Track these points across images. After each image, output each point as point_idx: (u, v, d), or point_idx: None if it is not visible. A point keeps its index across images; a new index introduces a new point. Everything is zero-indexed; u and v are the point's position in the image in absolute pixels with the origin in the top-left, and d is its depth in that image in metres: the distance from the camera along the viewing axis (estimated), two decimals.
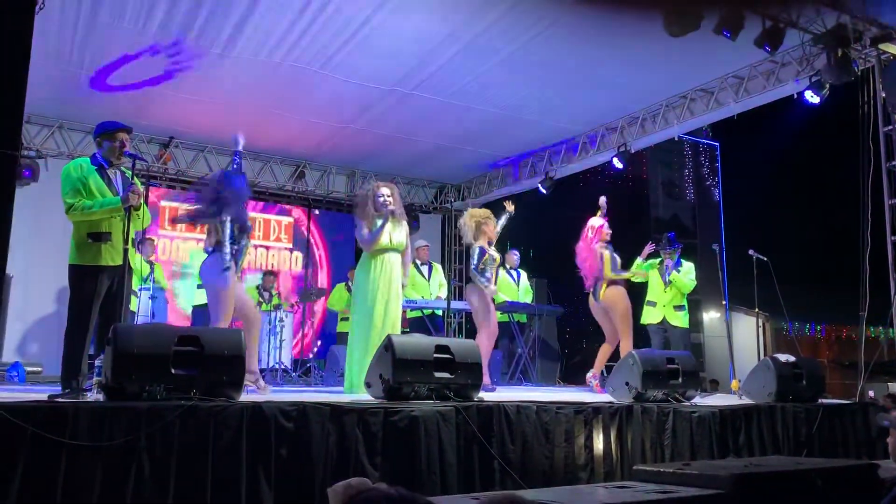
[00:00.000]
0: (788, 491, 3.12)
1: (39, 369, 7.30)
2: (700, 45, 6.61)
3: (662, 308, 7.50)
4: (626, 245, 7.32)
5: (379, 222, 5.52)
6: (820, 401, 5.80)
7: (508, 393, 5.98)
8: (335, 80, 7.65)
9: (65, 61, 7.20)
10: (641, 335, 7.69)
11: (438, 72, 7.50)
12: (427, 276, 8.44)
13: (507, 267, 9.09)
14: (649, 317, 7.59)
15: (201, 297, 7.82)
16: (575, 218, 7.49)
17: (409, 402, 3.95)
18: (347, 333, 9.06)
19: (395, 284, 5.54)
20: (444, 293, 8.36)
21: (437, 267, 8.85)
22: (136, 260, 4.68)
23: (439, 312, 8.49)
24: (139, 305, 7.77)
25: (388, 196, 5.59)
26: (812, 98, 6.92)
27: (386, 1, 6.21)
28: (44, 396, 3.49)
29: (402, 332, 5.97)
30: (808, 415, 5.44)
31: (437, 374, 4.14)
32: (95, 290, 4.20)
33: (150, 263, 8.16)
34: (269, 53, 7.09)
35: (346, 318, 9.40)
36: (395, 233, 5.60)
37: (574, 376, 9.28)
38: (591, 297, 6.98)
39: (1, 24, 2.88)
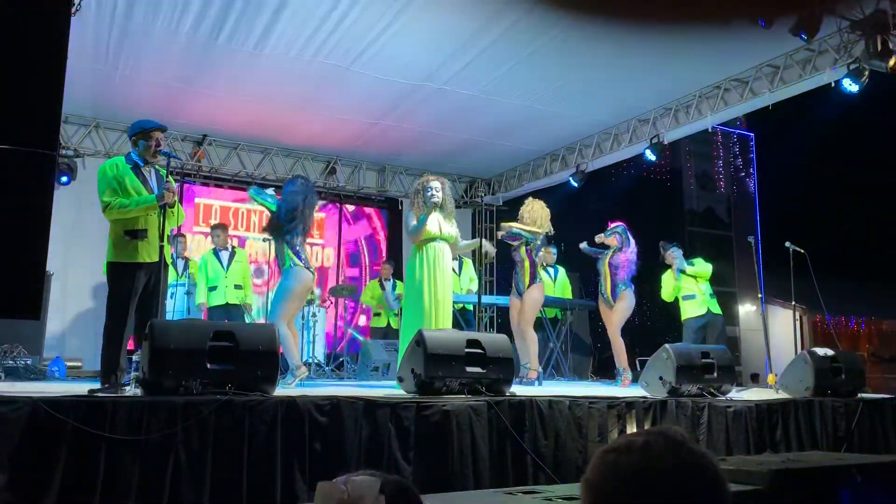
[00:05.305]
0: (828, 487, 3.07)
1: (79, 364, 7.42)
2: (734, 35, 6.49)
3: (703, 297, 7.44)
4: (659, 238, 7.24)
5: (427, 214, 5.56)
6: (859, 395, 5.68)
7: (541, 387, 5.95)
8: (365, 76, 7.66)
9: (101, 61, 7.31)
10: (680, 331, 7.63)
11: (468, 67, 7.48)
12: (458, 271, 8.44)
13: (544, 264, 8.96)
14: (693, 309, 7.49)
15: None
16: (607, 211, 7.43)
17: (441, 396, 3.95)
18: (380, 328, 9.25)
19: (446, 272, 5.53)
20: (474, 287, 8.36)
21: (468, 262, 8.84)
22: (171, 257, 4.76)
23: (470, 307, 8.48)
24: (174, 302, 7.88)
25: (437, 190, 5.63)
26: (850, 86, 6.75)
27: None
28: (84, 391, 3.55)
29: None
30: (847, 409, 5.34)
31: (469, 369, 4.13)
32: (133, 287, 4.28)
33: (185, 259, 8.27)
34: (299, 51, 7.14)
35: (379, 314, 9.46)
36: (445, 224, 5.61)
37: (606, 371, 9.21)
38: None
39: (37, 26, 2.92)
